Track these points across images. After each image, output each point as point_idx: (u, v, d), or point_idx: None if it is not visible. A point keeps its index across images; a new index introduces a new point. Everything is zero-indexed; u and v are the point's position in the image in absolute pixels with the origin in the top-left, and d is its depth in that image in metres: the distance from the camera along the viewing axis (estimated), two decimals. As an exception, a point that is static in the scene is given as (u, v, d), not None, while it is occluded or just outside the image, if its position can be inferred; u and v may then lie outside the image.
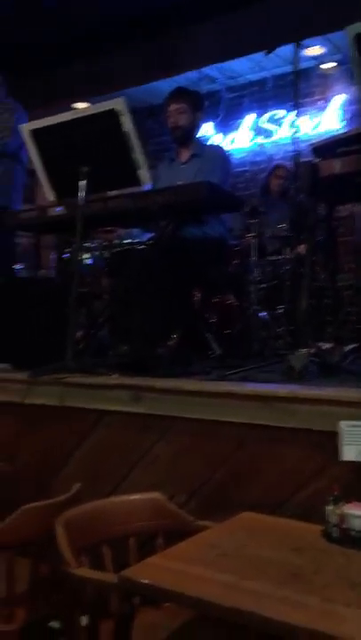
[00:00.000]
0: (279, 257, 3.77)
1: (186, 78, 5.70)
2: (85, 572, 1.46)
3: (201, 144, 3.65)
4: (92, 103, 2.63)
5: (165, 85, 5.65)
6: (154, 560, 1.36)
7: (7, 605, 1.75)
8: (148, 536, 1.86)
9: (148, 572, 1.28)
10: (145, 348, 2.65)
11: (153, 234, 3.30)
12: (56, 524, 1.56)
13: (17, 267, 4.35)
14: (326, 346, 2.45)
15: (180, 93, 3.52)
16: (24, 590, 1.78)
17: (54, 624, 1.97)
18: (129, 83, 5.70)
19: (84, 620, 1.49)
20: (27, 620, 1.76)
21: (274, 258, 3.80)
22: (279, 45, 3.69)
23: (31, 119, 3.10)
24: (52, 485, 2.34)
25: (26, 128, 2.69)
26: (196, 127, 3.55)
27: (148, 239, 3.41)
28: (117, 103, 2.47)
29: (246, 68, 6.00)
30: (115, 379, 2.31)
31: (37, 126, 2.67)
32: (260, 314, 3.51)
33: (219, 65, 5.85)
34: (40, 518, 1.75)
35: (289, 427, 1.89)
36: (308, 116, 5.96)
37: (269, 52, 3.66)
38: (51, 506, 1.81)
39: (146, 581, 1.23)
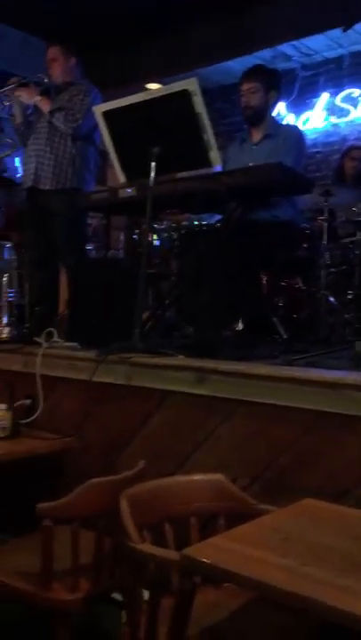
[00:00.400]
0: (353, 239, 3.66)
1: (259, 57, 5.59)
2: (148, 547, 1.49)
3: (275, 124, 3.58)
4: (165, 84, 2.63)
5: (236, 65, 5.58)
6: (216, 540, 1.37)
7: (72, 575, 1.81)
8: (209, 516, 1.88)
9: (209, 551, 1.29)
10: (211, 330, 2.66)
11: (222, 216, 3.29)
12: (120, 499, 1.60)
13: (87, 247, 4.42)
14: None
15: (254, 72, 3.46)
16: (88, 562, 1.84)
17: (117, 596, 2.03)
18: (203, 62, 5.64)
19: (146, 595, 1.52)
20: (90, 591, 1.82)
21: (347, 241, 3.70)
22: (357, 21, 3.56)
23: (105, 100, 3.12)
24: (117, 461, 2.40)
25: (98, 110, 2.72)
26: (269, 107, 3.48)
27: (217, 221, 3.40)
28: (190, 83, 2.46)
29: (323, 45, 5.82)
30: (180, 360, 2.32)
31: (109, 108, 2.69)
32: (328, 299, 3.45)
33: (294, 42, 5.71)
34: (105, 493, 1.80)
35: (356, 415, 1.86)
36: (385, 94, 5.74)
37: (347, 29, 3.55)
38: (116, 481, 1.86)
39: (207, 561, 1.25)
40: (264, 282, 3.29)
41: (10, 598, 1.90)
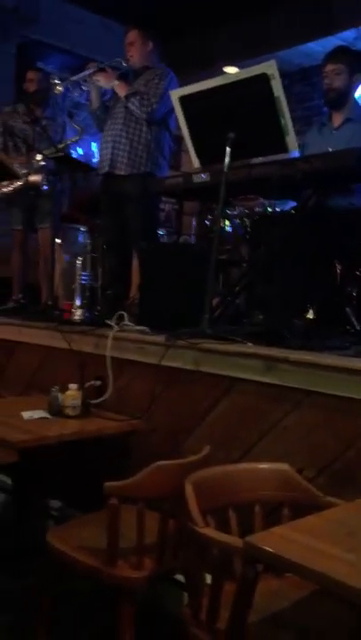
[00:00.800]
0: None
1: (342, 38, 5.41)
2: (211, 532, 1.50)
3: (358, 108, 3.45)
4: (243, 67, 2.59)
5: (317, 47, 5.42)
6: (280, 530, 1.37)
7: (136, 554, 1.85)
8: (273, 506, 1.87)
9: (273, 540, 1.29)
10: (281, 319, 2.62)
11: (296, 202, 3.23)
12: (186, 483, 1.61)
13: (159, 232, 4.45)
14: None
15: (338, 53, 3.36)
16: (152, 542, 1.88)
17: (179, 577, 2.06)
18: (283, 44, 5.53)
19: (208, 578, 1.54)
20: (154, 570, 1.86)
21: None
22: None
23: (182, 84, 3.12)
24: (183, 445, 2.42)
25: (175, 95, 2.72)
26: (352, 90, 3.37)
27: (291, 208, 3.34)
28: (268, 67, 2.41)
29: None
30: (249, 347, 2.31)
31: (186, 92, 2.68)
32: None
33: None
34: (171, 476, 1.82)
35: None
36: None
37: None
38: (181, 465, 1.88)
39: (271, 550, 1.24)
40: (338, 271, 3.21)
41: (77, 572, 1.96)
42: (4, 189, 4.30)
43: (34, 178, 4.11)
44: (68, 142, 4.15)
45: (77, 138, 4.28)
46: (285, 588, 1.69)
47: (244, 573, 1.36)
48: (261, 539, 1.30)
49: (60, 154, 3.81)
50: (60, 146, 4.26)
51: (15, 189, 4.30)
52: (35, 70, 4.63)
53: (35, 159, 4.18)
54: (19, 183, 4.24)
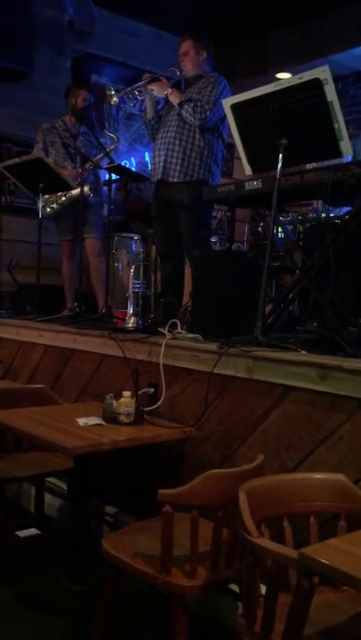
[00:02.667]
0: None
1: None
2: (266, 542, 1.49)
3: None
4: (296, 73, 2.57)
5: (372, 49, 5.34)
6: (336, 542, 1.35)
7: (190, 562, 1.85)
8: (329, 517, 1.84)
9: (329, 552, 1.27)
10: (335, 326, 2.58)
11: (351, 208, 3.17)
12: (239, 491, 1.61)
13: (212, 239, 4.47)
14: None
15: None
16: (206, 551, 1.87)
17: (234, 587, 2.05)
18: (337, 48, 5.46)
19: (263, 589, 1.53)
20: (208, 579, 1.86)
21: None
22: None
23: (234, 91, 3.12)
24: (236, 454, 2.41)
25: (227, 103, 2.72)
26: None
27: (345, 213, 3.28)
28: (321, 72, 2.38)
29: None
30: (302, 355, 2.29)
31: (238, 100, 2.68)
32: None
33: None
34: (225, 484, 1.82)
35: None
36: None
37: None
38: (234, 474, 1.87)
39: (326, 562, 1.22)
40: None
41: (133, 577, 1.98)
42: (58, 202, 4.41)
43: (79, 190, 4.23)
44: (108, 150, 4.23)
45: (113, 146, 4.36)
46: (342, 601, 1.66)
47: (299, 585, 1.34)
48: (317, 550, 1.28)
49: (113, 165, 3.87)
50: (96, 158, 4.36)
51: (63, 204, 4.43)
52: (79, 86, 4.75)
53: (83, 171, 4.30)
54: (67, 195, 4.36)
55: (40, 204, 4.11)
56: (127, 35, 5.84)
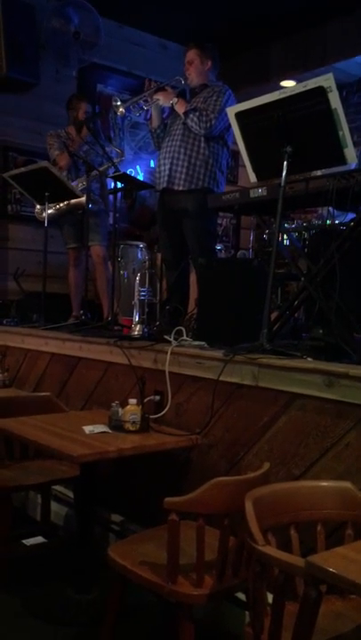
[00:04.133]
0: None
1: None
2: (272, 550, 1.48)
3: None
4: (300, 80, 2.57)
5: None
6: (343, 550, 1.34)
7: (196, 571, 1.85)
8: (336, 525, 1.83)
9: (336, 561, 1.26)
10: (341, 333, 2.58)
11: (355, 215, 3.17)
12: (246, 499, 1.60)
13: (217, 247, 4.47)
14: None
15: None
16: (213, 559, 1.87)
17: (240, 596, 2.04)
18: (341, 55, 5.47)
19: (270, 598, 1.52)
20: (215, 588, 1.85)
21: None
22: None
23: (239, 99, 3.13)
24: (242, 461, 2.40)
25: (231, 111, 2.73)
26: None
27: (350, 220, 3.28)
28: (325, 80, 2.39)
29: None
30: (308, 362, 2.28)
31: (243, 109, 2.69)
32: None
33: None
34: (231, 492, 1.81)
35: None
36: None
37: None
38: (241, 481, 1.87)
39: (333, 570, 1.22)
40: None
41: (139, 586, 1.97)
42: (55, 208, 4.44)
43: (77, 199, 4.26)
44: (114, 163, 4.27)
45: (118, 160, 4.40)
46: (349, 609, 1.65)
47: (306, 594, 1.34)
48: (324, 559, 1.28)
49: (118, 173, 3.90)
50: (102, 168, 4.39)
51: (60, 210, 4.45)
52: (79, 99, 4.79)
53: (84, 180, 4.34)
54: (63, 204, 4.40)
55: (37, 208, 4.12)
56: (132, 45, 5.88)
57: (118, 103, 3.95)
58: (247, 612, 1.79)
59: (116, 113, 4.07)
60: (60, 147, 4.60)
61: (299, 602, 1.40)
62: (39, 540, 3.11)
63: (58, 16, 5.16)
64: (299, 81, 2.56)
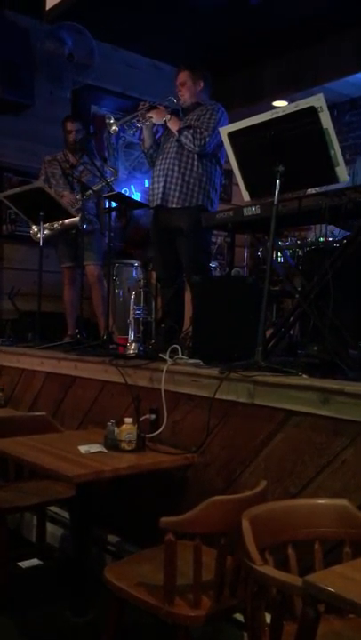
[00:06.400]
0: None
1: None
2: (270, 570, 1.47)
3: None
4: (292, 101, 2.61)
5: (365, 76, 5.42)
6: (341, 569, 1.33)
7: (194, 591, 1.83)
8: (334, 543, 1.82)
9: (334, 580, 1.25)
10: (336, 350, 2.58)
11: (349, 232, 3.19)
12: (242, 518, 1.59)
13: (211, 265, 4.49)
14: None
15: None
16: (210, 579, 1.85)
17: (238, 617, 2.01)
18: (332, 75, 5.55)
19: (268, 618, 1.50)
20: (212, 609, 1.83)
21: None
22: None
23: (231, 119, 3.16)
24: (238, 480, 2.39)
25: (224, 131, 2.76)
26: None
27: (343, 238, 3.31)
28: (316, 100, 2.43)
29: None
30: (304, 379, 2.28)
31: (235, 129, 2.72)
32: None
33: None
34: (227, 511, 1.80)
35: None
36: None
37: None
38: (237, 500, 1.85)
39: (332, 590, 1.21)
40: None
41: (136, 607, 1.95)
42: (50, 228, 4.47)
43: (71, 219, 4.29)
44: (108, 182, 4.32)
45: (112, 179, 4.45)
46: (348, 629, 1.64)
47: (304, 613, 1.32)
48: (322, 578, 1.27)
49: (113, 193, 3.93)
50: (96, 187, 4.43)
51: (54, 231, 4.49)
52: (72, 120, 4.86)
53: (77, 200, 4.37)
54: (60, 222, 4.43)
55: (33, 230, 4.14)
56: (126, 66, 5.96)
57: (112, 121, 3.98)
58: (245, 633, 1.76)
59: (110, 133, 4.11)
60: (46, 179, 4.67)
61: (297, 622, 1.38)
62: (35, 562, 3.07)
63: (52, 39, 5.22)
64: (291, 101, 2.59)
